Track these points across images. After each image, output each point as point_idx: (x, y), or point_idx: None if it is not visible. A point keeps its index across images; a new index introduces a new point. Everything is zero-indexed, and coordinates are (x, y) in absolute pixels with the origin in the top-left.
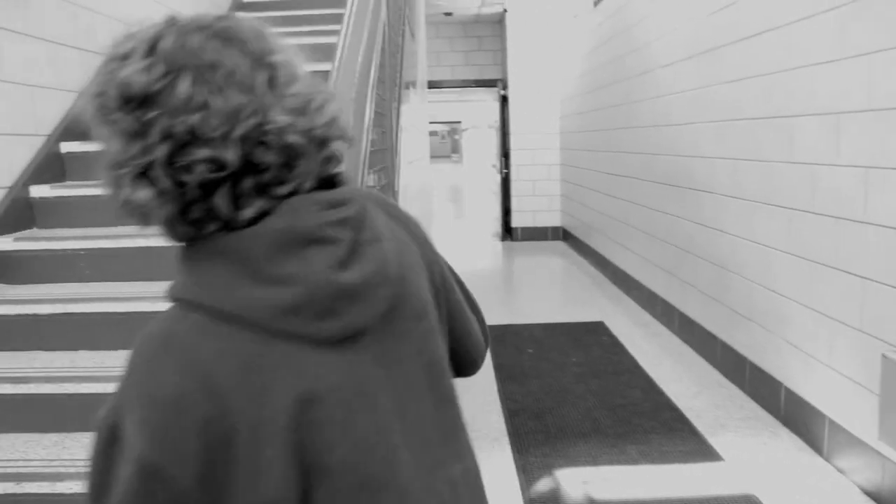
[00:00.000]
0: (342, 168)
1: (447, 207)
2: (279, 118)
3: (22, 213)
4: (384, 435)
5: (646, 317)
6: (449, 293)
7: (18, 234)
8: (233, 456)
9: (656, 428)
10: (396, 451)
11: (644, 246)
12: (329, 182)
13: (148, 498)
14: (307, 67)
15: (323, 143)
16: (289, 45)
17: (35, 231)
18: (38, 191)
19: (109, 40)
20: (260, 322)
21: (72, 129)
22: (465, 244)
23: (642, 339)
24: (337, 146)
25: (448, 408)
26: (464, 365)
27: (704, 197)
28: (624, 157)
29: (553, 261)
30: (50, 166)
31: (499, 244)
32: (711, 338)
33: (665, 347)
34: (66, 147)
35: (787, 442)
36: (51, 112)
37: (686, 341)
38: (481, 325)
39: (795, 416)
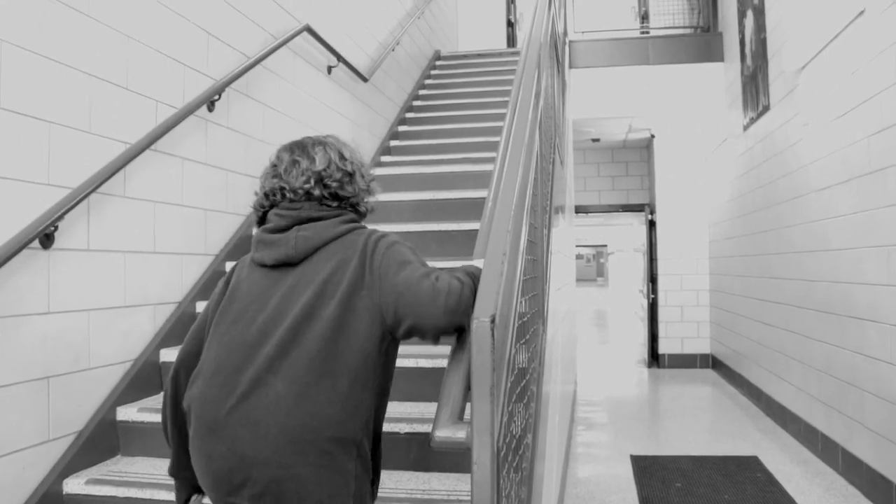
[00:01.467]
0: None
1: (592, 332)
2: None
3: (188, 328)
4: (256, 311)
5: (805, 453)
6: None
7: None
8: None
9: None
10: (258, 321)
11: (800, 377)
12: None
13: None
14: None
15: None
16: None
17: None
18: (204, 306)
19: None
20: None
21: (236, 250)
22: (610, 370)
23: (801, 478)
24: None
25: (293, 337)
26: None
27: (869, 326)
28: (777, 283)
29: (702, 390)
30: (216, 283)
31: (645, 371)
32: (884, 482)
33: (828, 489)
34: (232, 265)
35: None
36: (219, 233)
37: (853, 483)
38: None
39: None
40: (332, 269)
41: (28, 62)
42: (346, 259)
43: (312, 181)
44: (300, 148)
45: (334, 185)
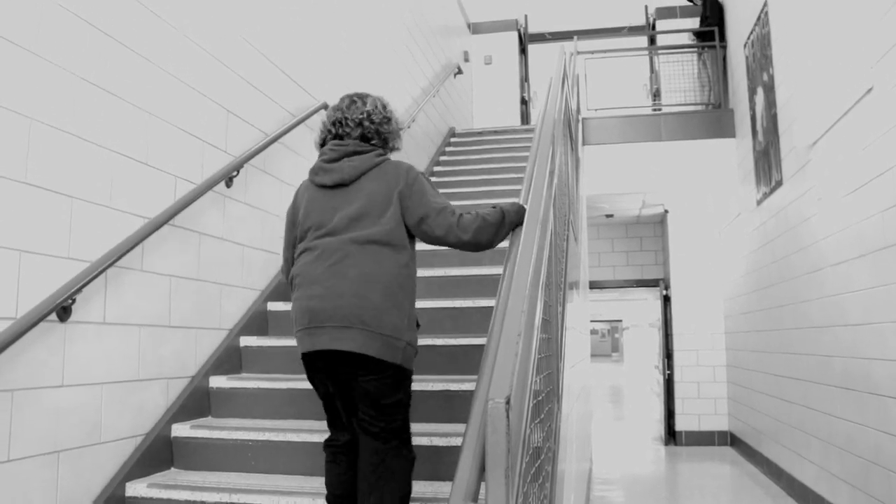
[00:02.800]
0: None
1: (607, 408)
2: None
3: (200, 402)
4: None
5: None
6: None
7: (195, 422)
8: None
9: None
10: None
11: (821, 455)
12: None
13: None
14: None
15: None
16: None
17: (210, 419)
18: (216, 381)
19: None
20: None
21: (251, 324)
22: (626, 448)
23: None
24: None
25: (356, 226)
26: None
27: (892, 404)
28: (795, 359)
29: (721, 468)
30: (229, 358)
31: (662, 448)
32: None
33: None
34: (245, 341)
35: None
36: (234, 308)
37: None
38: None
39: None
40: (375, 186)
41: (55, 139)
42: (385, 179)
43: (364, 114)
44: (357, 96)
45: (377, 120)
